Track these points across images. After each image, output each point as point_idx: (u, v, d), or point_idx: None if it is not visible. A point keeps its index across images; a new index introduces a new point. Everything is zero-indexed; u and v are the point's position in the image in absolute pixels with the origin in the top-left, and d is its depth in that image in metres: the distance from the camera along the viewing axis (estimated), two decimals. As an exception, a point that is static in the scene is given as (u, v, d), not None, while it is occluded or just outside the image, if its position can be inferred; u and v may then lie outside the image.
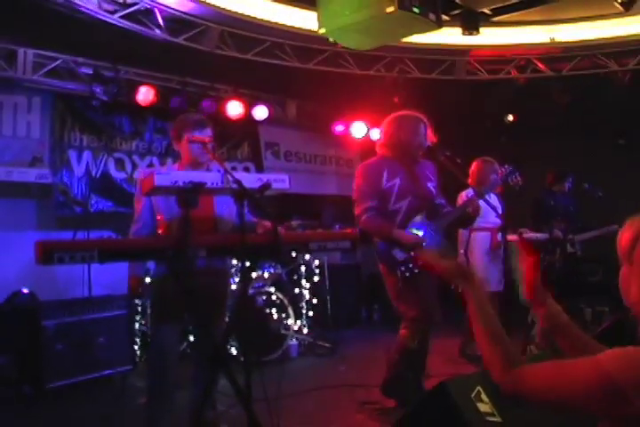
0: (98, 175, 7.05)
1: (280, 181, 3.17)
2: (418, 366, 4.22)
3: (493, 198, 5.74)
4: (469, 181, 5.59)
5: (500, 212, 4.91)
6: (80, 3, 5.72)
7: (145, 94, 6.98)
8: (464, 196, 5.58)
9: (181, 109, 7.09)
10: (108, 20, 6.06)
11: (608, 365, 1.43)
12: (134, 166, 7.33)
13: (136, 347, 5.92)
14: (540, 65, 8.00)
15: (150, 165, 7.44)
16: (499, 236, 5.52)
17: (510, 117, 8.94)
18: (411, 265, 3.99)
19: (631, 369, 1.40)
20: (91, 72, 6.82)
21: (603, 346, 1.85)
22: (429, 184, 4.26)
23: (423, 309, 4.05)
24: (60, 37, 6.31)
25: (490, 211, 4.63)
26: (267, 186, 3.06)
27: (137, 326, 6.00)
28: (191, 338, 5.60)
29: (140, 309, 6.07)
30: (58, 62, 6.68)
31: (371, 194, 4.11)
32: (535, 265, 2.00)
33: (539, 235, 6.02)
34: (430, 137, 4.23)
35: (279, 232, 3.08)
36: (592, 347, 1.86)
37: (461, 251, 5.83)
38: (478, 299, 1.81)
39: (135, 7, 6.15)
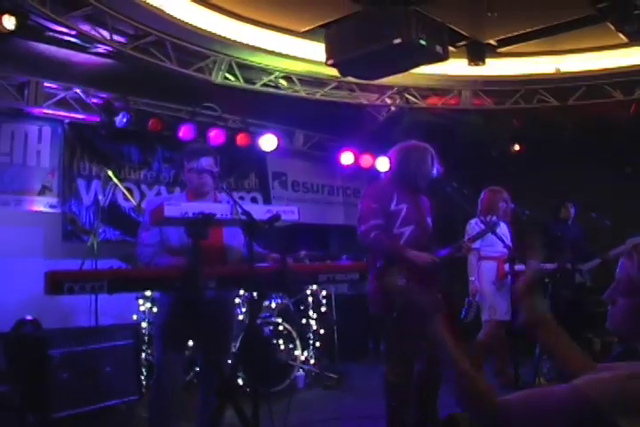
0: (106, 204, 7.07)
1: (289, 213, 3.18)
2: (409, 401, 4.08)
3: (503, 227, 5.75)
4: (479, 210, 5.60)
5: (507, 242, 4.90)
6: (93, 34, 5.81)
7: (154, 124, 7.04)
8: (473, 224, 5.59)
9: (190, 139, 7.17)
10: (119, 51, 6.15)
11: (589, 390, 1.42)
12: (142, 196, 7.36)
13: (143, 377, 5.88)
14: (545, 95, 8.05)
15: (158, 194, 7.47)
16: (506, 266, 5.51)
17: (516, 147, 8.99)
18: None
19: (612, 393, 1.39)
20: (100, 102, 6.91)
21: (582, 353, 1.84)
22: (428, 218, 4.26)
23: (410, 341, 3.94)
24: (71, 68, 6.40)
25: (497, 240, 4.63)
26: (276, 218, 3.07)
27: (144, 355, 5.97)
28: (197, 368, 5.57)
29: (146, 338, 6.05)
30: (68, 93, 6.76)
31: (379, 213, 4.03)
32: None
33: (547, 265, 6.00)
34: (437, 168, 4.22)
35: (288, 264, 3.07)
36: (573, 351, 1.85)
37: (472, 278, 5.82)
38: (447, 339, 1.79)
39: (146, 39, 6.25)
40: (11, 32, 5.02)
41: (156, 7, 5.87)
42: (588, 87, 7.81)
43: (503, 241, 4.50)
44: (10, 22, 4.95)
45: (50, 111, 6.71)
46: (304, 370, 6.43)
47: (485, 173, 8.00)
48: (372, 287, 4.10)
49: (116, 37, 6.09)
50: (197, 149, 3.87)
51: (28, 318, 5.76)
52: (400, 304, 3.85)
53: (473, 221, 5.59)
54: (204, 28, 6.34)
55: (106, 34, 5.97)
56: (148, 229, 3.71)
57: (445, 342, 1.79)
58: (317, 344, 6.90)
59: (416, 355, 4.00)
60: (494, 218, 4.66)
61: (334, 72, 6.31)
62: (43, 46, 6.02)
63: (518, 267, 4.55)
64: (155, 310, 5.98)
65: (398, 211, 4.04)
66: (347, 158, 8.93)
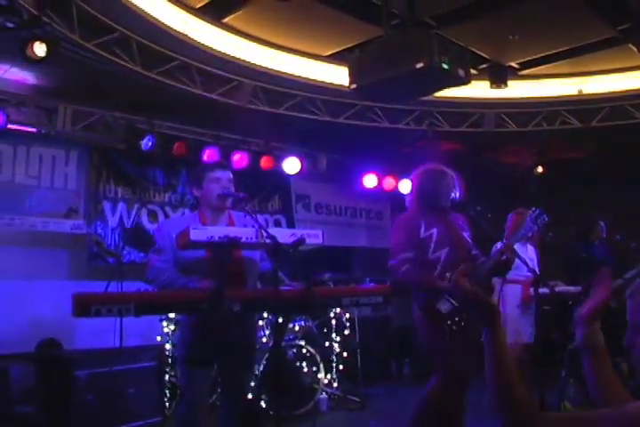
0: (131, 227, 7.16)
1: (313, 236, 3.20)
2: (448, 421, 4.10)
3: (530, 249, 5.72)
4: (507, 234, 5.59)
5: (531, 265, 4.87)
6: (119, 61, 5.93)
7: (179, 148, 7.14)
8: (499, 247, 5.57)
9: (214, 162, 7.25)
10: (145, 75, 6.25)
11: None
12: (167, 218, 7.44)
13: (166, 399, 5.89)
14: (568, 116, 8.04)
15: (182, 216, 7.54)
16: (531, 289, 5.47)
17: (540, 169, 8.96)
18: (457, 318, 3.92)
19: None
20: (126, 126, 7.02)
21: (624, 390, 1.79)
22: (465, 234, 4.26)
23: (463, 363, 3.97)
24: (98, 93, 6.52)
25: (522, 264, 4.61)
26: (300, 241, 3.09)
27: (167, 377, 5.98)
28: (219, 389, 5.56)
29: (170, 360, 6.07)
30: (95, 117, 6.89)
31: (409, 245, 4.07)
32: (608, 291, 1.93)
33: (571, 288, 5.95)
34: (460, 191, 4.23)
35: (312, 290, 3.08)
36: (616, 386, 1.81)
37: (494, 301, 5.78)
38: (500, 340, 1.68)
39: (172, 64, 6.35)
40: (41, 59, 5.13)
41: (181, 33, 5.98)
42: (611, 108, 7.79)
43: (527, 264, 4.48)
44: (41, 49, 5.06)
45: (77, 135, 6.84)
46: (327, 393, 6.40)
47: (509, 196, 7.99)
48: (419, 317, 4.11)
49: (142, 62, 6.20)
50: (220, 161, 3.89)
51: (50, 338, 5.81)
52: (449, 328, 3.91)
53: (499, 245, 5.56)
54: (228, 52, 6.43)
55: (134, 58, 6.08)
56: (159, 252, 3.64)
57: (503, 343, 1.68)
58: (340, 367, 6.86)
59: (468, 374, 4.01)
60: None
61: (357, 96, 6.37)
62: (71, 72, 6.13)
63: (542, 290, 4.52)
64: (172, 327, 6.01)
65: (429, 236, 4.06)
66: (370, 181, 8.97)
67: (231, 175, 3.76)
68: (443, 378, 4.05)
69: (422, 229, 4.07)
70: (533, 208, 4.97)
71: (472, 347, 4.02)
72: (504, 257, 4.19)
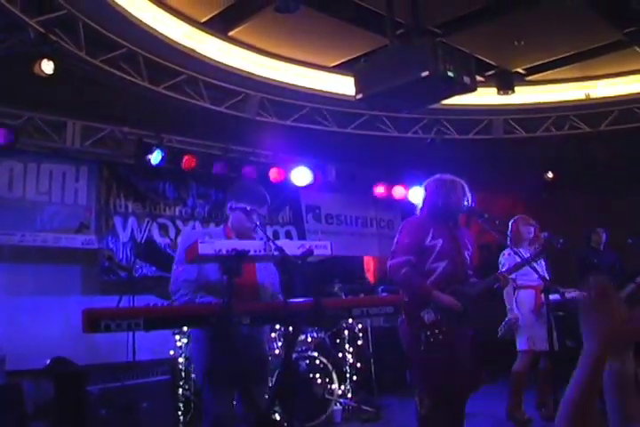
0: (142, 241, 7.17)
1: (322, 248, 3.18)
2: None
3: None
4: (509, 240, 5.56)
5: (541, 273, 4.83)
6: (127, 76, 5.97)
7: (188, 161, 7.17)
8: (506, 255, 5.54)
9: (224, 175, 7.31)
10: (153, 90, 6.29)
11: None
12: (178, 232, 7.45)
13: (180, 412, 5.88)
14: (577, 121, 8.01)
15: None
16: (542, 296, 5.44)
17: (550, 175, 8.92)
18: (437, 330, 3.88)
19: None
20: (135, 141, 7.05)
21: None
22: (466, 252, 4.23)
23: (446, 379, 3.88)
24: (107, 108, 6.56)
25: (532, 270, 4.58)
26: (309, 253, 3.08)
27: (180, 391, 5.97)
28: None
29: (183, 374, 6.05)
30: (104, 132, 6.93)
31: (412, 248, 4.04)
32: None
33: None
34: (470, 200, 4.21)
35: (322, 302, 3.05)
36: None
37: (510, 307, 5.74)
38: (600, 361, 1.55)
39: (179, 78, 6.39)
40: (49, 76, 5.17)
41: (187, 47, 6.03)
42: (620, 112, 7.76)
43: (537, 272, 4.45)
44: (49, 67, 5.11)
45: (86, 150, 6.88)
46: (341, 404, 6.35)
47: (520, 202, 7.96)
48: (402, 323, 4.08)
49: (149, 77, 6.24)
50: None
51: (61, 355, 5.82)
52: (426, 338, 3.86)
53: (506, 252, 5.54)
54: (234, 65, 6.47)
55: (142, 73, 6.13)
56: (183, 263, 3.60)
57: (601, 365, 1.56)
58: (354, 378, 6.81)
59: (447, 388, 3.94)
60: (531, 252, 4.63)
61: (364, 105, 6.38)
62: (80, 87, 6.17)
63: (553, 297, 4.49)
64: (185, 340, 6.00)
65: (433, 246, 4.03)
66: (379, 190, 8.96)
67: (266, 211, 3.76)
68: (427, 394, 3.96)
69: (429, 238, 4.04)
70: (545, 234, 4.94)
71: (459, 362, 3.94)
72: (496, 285, 4.18)
